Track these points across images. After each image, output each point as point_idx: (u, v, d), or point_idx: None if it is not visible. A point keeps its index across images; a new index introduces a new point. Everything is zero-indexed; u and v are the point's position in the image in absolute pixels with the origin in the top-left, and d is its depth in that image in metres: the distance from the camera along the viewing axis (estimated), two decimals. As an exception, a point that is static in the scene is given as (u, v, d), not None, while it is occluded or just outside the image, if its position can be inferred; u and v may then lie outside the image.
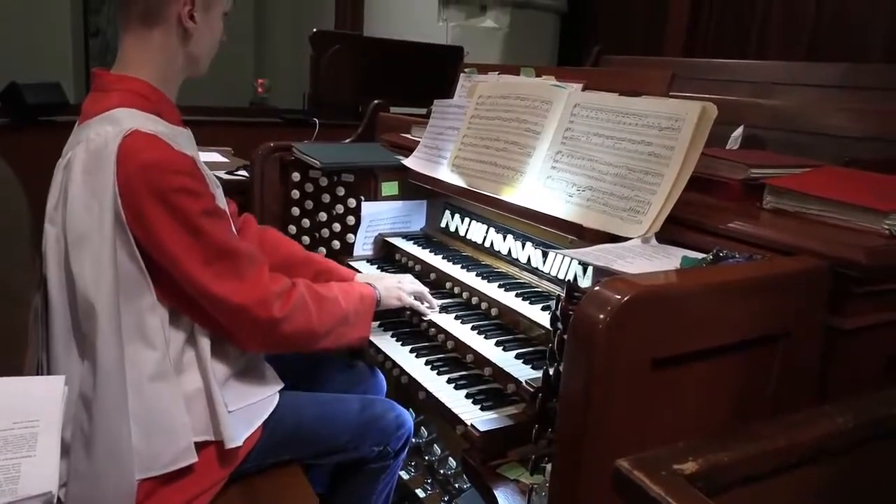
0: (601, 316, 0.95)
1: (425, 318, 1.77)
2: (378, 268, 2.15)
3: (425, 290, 1.81)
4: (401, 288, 1.76)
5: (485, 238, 2.02)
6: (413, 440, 1.84)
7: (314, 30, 4.00)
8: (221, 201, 1.50)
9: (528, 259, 1.85)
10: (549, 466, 1.22)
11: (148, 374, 1.34)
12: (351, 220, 2.23)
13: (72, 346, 1.35)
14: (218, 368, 1.45)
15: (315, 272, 1.82)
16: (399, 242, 2.19)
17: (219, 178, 2.64)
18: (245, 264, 1.39)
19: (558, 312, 1.21)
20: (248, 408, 1.50)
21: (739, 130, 2.16)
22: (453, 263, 1.96)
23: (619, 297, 0.95)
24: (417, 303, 1.77)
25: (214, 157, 3.07)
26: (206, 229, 1.34)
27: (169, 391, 1.36)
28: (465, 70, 2.19)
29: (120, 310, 1.31)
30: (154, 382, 1.35)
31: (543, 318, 1.58)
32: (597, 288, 0.99)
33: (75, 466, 1.32)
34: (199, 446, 1.40)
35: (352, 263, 2.18)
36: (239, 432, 1.44)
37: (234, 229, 1.49)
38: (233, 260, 1.37)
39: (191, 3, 1.40)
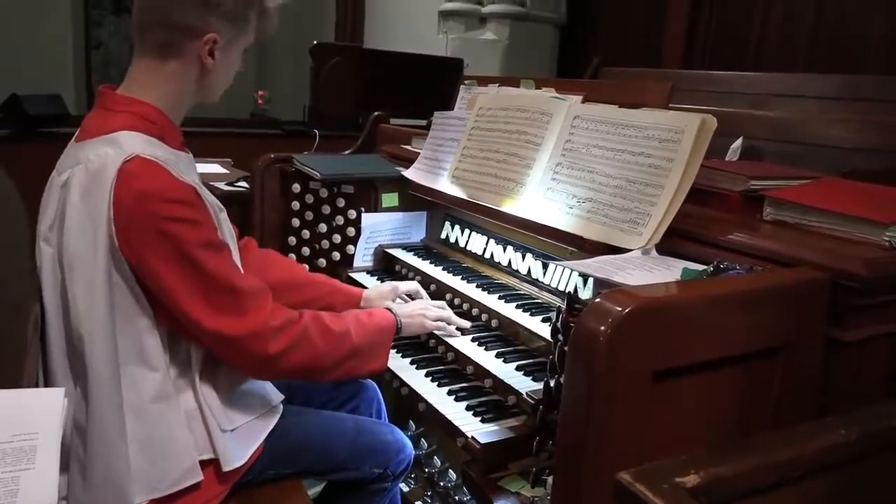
0: (602, 328, 0.94)
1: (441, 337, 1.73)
2: (378, 279, 2.15)
3: (450, 313, 1.75)
4: (424, 314, 1.70)
5: (485, 249, 2.03)
6: (413, 452, 1.83)
7: (314, 42, 4.02)
8: (226, 224, 1.48)
9: (529, 270, 1.85)
10: (550, 479, 1.21)
11: (149, 396, 1.32)
12: (351, 231, 2.23)
13: (66, 368, 1.33)
14: (211, 390, 1.43)
15: (319, 294, 1.80)
16: (399, 254, 2.19)
17: (218, 190, 2.66)
18: (245, 299, 1.35)
19: (559, 324, 1.21)
20: (248, 425, 1.48)
21: (738, 142, 2.17)
22: (453, 275, 1.96)
23: (619, 309, 0.95)
24: (442, 323, 1.72)
25: (215, 168, 3.08)
26: (204, 261, 1.30)
27: (171, 412, 1.35)
28: (466, 82, 2.20)
29: (115, 333, 1.28)
30: (156, 404, 1.33)
31: (544, 330, 1.58)
32: (598, 300, 0.99)
33: (73, 491, 1.31)
34: (202, 463, 1.39)
35: (352, 275, 2.18)
36: (237, 453, 1.43)
37: (237, 261, 1.45)
38: (232, 294, 1.33)
39: (212, 42, 1.36)
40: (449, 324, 1.73)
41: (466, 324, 1.76)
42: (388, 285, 1.91)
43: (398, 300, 1.87)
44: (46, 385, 1.36)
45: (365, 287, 1.94)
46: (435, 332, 1.72)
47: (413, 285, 1.91)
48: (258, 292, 1.39)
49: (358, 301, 1.85)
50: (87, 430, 1.30)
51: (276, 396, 1.57)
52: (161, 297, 1.30)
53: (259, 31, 1.46)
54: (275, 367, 1.40)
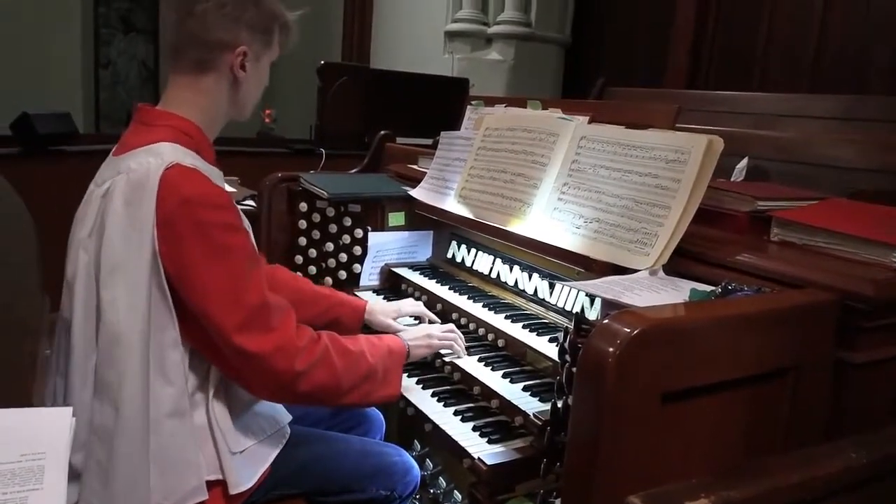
0: (610, 349, 0.94)
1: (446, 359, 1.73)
2: (385, 298, 2.15)
3: (457, 336, 1.74)
4: (429, 336, 1.70)
5: (491, 269, 2.03)
6: (420, 474, 1.82)
7: (322, 62, 4.06)
8: (253, 241, 1.49)
9: (535, 290, 1.85)
10: (557, 501, 1.20)
11: (166, 411, 1.33)
12: (357, 250, 2.24)
13: (89, 376, 1.34)
14: (223, 410, 1.43)
15: (325, 307, 1.81)
16: (405, 273, 2.19)
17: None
18: (273, 315, 1.36)
19: (566, 345, 1.20)
20: (256, 447, 1.47)
21: (744, 162, 2.17)
22: (460, 294, 1.96)
23: (628, 330, 0.95)
24: (447, 341, 1.71)
25: (222, 186, 3.09)
26: (243, 269, 1.32)
27: (184, 429, 1.35)
28: (472, 102, 2.22)
29: (150, 341, 1.30)
30: (171, 419, 1.33)
31: (551, 350, 1.58)
32: (606, 321, 0.98)
33: (87, 499, 1.31)
34: (209, 483, 1.39)
35: (358, 294, 2.18)
36: (245, 476, 1.43)
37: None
38: (261, 309, 1.34)
39: (243, 54, 1.43)
40: (454, 343, 1.73)
41: (463, 355, 1.73)
42: (392, 304, 1.92)
43: (400, 320, 1.87)
44: (65, 393, 1.36)
45: None
46: (440, 351, 1.72)
47: (417, 307, 1.92)
48: (285, 309, 1.40)
49: (363, 312, 1.86)
50: (114, 436, 1.30)
51: (285, 418, 1.57)
52: (194, 305, 1.31)
53: (282, 44, 1.53)
54: (297, 386, 1.39)
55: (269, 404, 1.54)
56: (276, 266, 1.91)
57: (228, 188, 3.09)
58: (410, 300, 1.99)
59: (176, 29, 1.42)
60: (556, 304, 1.78)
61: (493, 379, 1.60)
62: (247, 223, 1.47)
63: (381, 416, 1.92)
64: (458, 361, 1.69)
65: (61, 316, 1.40)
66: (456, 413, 1.57)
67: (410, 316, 1.92)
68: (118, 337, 1.30)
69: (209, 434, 1.40)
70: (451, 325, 1.78)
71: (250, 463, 1.46)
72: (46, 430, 0.92)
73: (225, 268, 1.31)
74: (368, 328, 1.86)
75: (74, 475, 1.31)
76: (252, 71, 1.46)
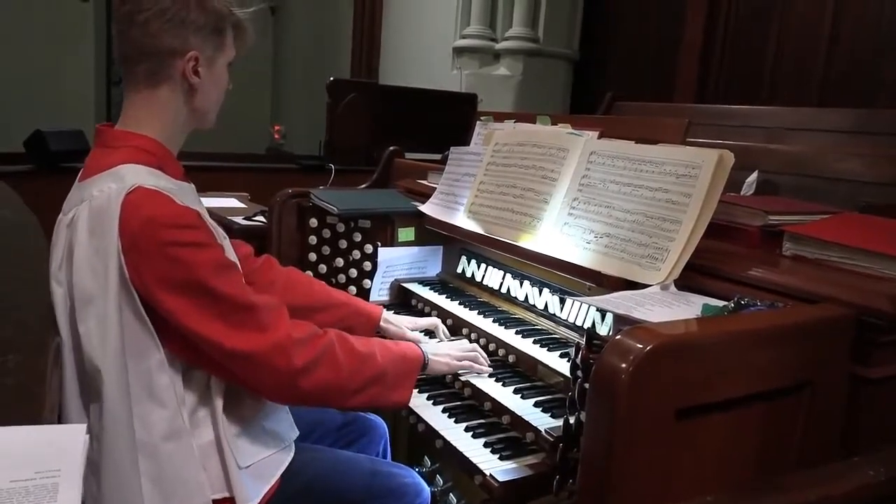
0: (623, 365, 0.94)
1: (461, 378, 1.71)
2: (394, 313, 2.14)
3: (478, 356, 1.72)
4: (450, 354, 1.67)
5: (501, 284, 2.02)
6: (428, 488, 1.81)
7: (331, 78, 4.09)
8: (230, 253, 1.47)
9: (546, 305, 1.85)
10: (570, 519, 1.19)
11: (160, 435, 1.31)
12: (367, 265, 2.24)
13: (80, 406, 1.34)
14: (231, 424, 1.42)
15: (339, 316, 1.79)
16: (415, 288, 2.19)
17: (236, 224, 2.68)
18: (262, 314, 1.35)
19: (578, 361, 1.20)
20: (264, 461, 1.46)
21: (754, 176, 2.17)
22: (470, 309, 1.96)
23: (641, 346, 0.94)
24: (468, 362, 1.69)
25: (231, 202, 3.11)
26: (215, 284, 1.30)
27: (183, 450, 1.34)
28: (482, 118, 2.22)
29: (128, 370, 1.29)
30: (168, 442, 1.32)
31: (562, 366, 1.57)
32: (619, 337, 0.98)
33: None
34: (216, 502, 1.38)
35: (368, 308, 2.18)
36: (253, 490, 1.42)
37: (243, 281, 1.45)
38: (248, 311, 1.33)
39: (194, 59, 1.39)
40: (476, 363, 1.70)
41: (488, 369, 1.71)
42: (409, 317, 1.92)
43: (416, 333, 1.87)
44: (61, 423, 1.35)
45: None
46: (459, 371, 1.70)
47: (432, 321, 1.92)
48: (274, 306, 1.38)
49: (377, 321, 1.85)
50: (100, 466, 1.30)
51: (292, 433, 1.56)
52: (176, 324, 1.30)
53: (238, 45, 1.49)
54: (299, 384, 1.37)
55: (277, 419, 1.53)
56: (290, 269, 1.89)
57: (238, 204, 3.12)
58: (432, 318, 1.97)
59: (121, 42, 1.39)
60: (566, 320, 1.77)
61: (505, 395, 1.60)
62: (221, 235, 1.45)
63: (384, 423, 1.91)
64: (469, 377, 1.68)
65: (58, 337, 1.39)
66: (467, 429, 1.56)
67: (424, 330, 1.91)
68: (96, 368, 1.28)
69: (216, 450, 1.39)
70: (476, 346, 1.76)
71: (258, 478, 1.45)
72: (60, 447, 0.92)
73: (197, 285, 1.29)
74: (382, 337, 1.86)
75: None
76: (207, 76, 1.42)
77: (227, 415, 1.41)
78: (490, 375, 1.68)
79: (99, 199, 1.30)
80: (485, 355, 1.74)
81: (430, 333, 1.92)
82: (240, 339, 1.31)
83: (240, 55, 1.51)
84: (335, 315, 1.80)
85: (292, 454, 1.54)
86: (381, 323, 1.85)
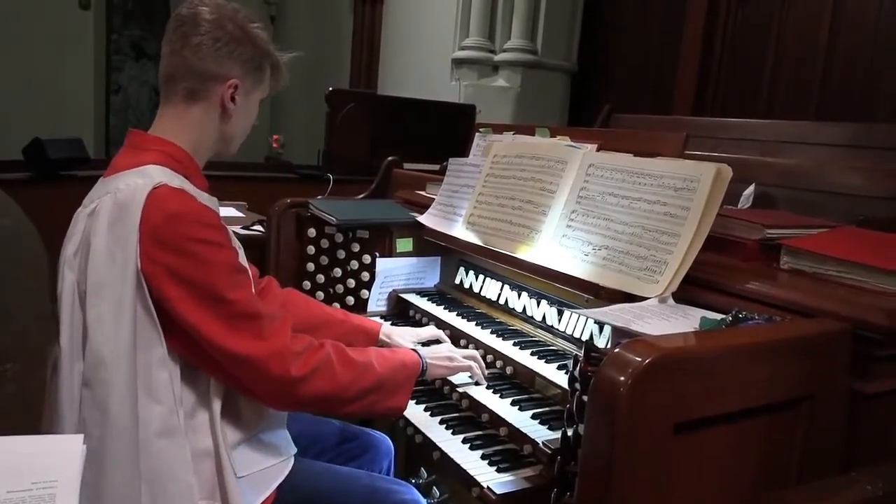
0: (622, 378, 0.94)
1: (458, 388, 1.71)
2: (392, 324, 2.14)
3: (476, 363, 1.72)
4: (450, 357, 1.69)
5: (499, 295, 2.02)
6: (425, 500, 1.80)
7: (330, 88, 4.10)
8: (243, 260, 1.50)
9: (544, 317, 1.85)
10: (568, 532, 1.19)
11: (154, 430, 1.32)
12: (365, 275, 2.24)
13: (76, 396, 1.34)
14: (230, 431, 1.42)
15: (338, 334, 1.78)
16: (413, 299, 2.19)
17: (235, 234, 2.68)
18: (265, 323, 1.37)
19: (577, 373, 1.20)
20: (261, 473, 1.46)
21: (751, 189, 2.18)
22: (467, 320, 1.96)
23: (640, 359, 0.95)
24: (468, 362, 1.69)
25: (230, 211, 3.11)
26: (227, 285, 1.33)
27: (175, 449, 1.34)
28: (481, 129, 2.23)
29: (136, 360, 1.30)
30: (161, 438, 1.33)
31: (559, 378, 1.57)
32: (617, 350, 0.98)
33: None
34: None
35: (366, 319, 2.17)
36: (247, 500, 1.41)
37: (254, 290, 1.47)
38: (253, 318, 1.36)
39: (234, 87, 1.46)
40: (475, 361, 1.71)
41: (485, 381, 1.72)
42: (409, 329, 1.92)
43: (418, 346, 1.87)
44: (53, 412, 1.36)
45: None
46: (454, 381, 1.70)
47: (433, 331, 1.92)
48: (277, 317, 1.41)
49: (376, 337, 1.86)
50: (103, 457, 1.30)
51: (290, 448, 1.55)
52: (181, 321, 1.32)
53: (272, 84, 1.58)
54: (297, 392, 1.39)
55: (275, 433, 1.53)
56: (289, 290, 1.91)
57: (236, 213, 3.12)
58: (431, 327, 1.97)
59: (170, 60, 1.46)
60: (564, 332, 1.77)
61: (502, 406, 1.59)
62: (237, 244, 1.49)
63: (390, 442, 1.90)
64: (466, 389, 1.68)
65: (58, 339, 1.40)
66: (464, 441, 1.56)
67: (425, 342, 1.91)
68: (104, 356, 1.30)
69: (212, 457, 1.39)
70: (475, 352, 1.76)
71: (254, 488, 1.45)
72: (58, 457, 0.92)
73: (209, 282, 1.32)
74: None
75: None
76: (242, 104, 1.50)
77: (225, 423, 1.41)
78: (488, 387, 1.68)
79: (124, 192, 1.33)
80: (483, 364, 1.74)
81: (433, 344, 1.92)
82: (239, 343, 1.33)
83: (272, 93, 1.61)
84: (334, 332, 1.80)
85: (290, 467, 1.53)
86: (381, 337, 1.85)
